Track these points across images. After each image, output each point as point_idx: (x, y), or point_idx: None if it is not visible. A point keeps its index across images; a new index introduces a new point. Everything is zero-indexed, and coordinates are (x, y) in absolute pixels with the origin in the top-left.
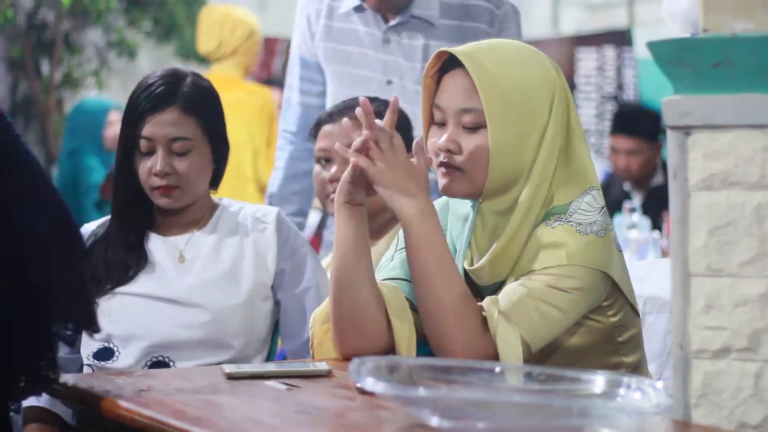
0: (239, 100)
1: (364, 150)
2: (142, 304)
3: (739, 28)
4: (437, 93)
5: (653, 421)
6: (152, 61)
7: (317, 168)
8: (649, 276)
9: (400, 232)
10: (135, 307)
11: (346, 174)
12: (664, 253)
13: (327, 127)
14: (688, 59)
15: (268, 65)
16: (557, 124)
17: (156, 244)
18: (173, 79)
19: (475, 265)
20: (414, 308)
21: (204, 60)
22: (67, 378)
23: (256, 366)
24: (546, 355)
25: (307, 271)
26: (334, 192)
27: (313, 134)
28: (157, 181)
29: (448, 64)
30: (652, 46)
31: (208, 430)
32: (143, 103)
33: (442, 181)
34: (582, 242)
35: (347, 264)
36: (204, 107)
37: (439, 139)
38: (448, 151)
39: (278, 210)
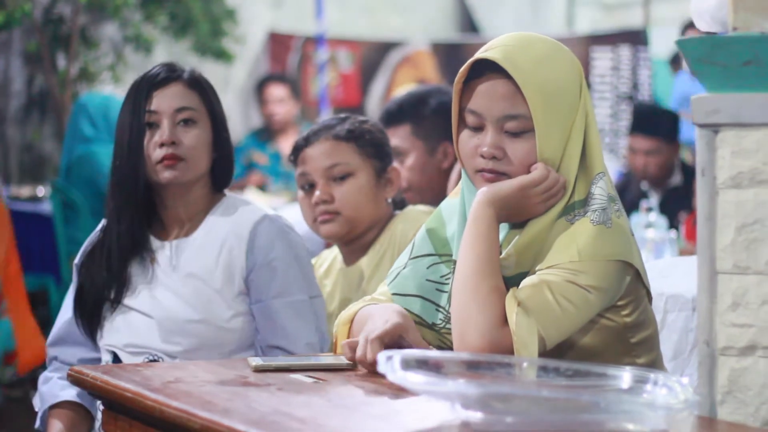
0: None
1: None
2: (136, 318)
3: None
4: (471, 97)
5: (679, 417)
6: (168, 56)
7: (301, 193)
8: (671, 273)
9: (416, 239)
10: (127, 320)
11: None
12: (681, 253)
13: (306, 151)
14: (718, 57)
15: (283, 61)
16: (582, 113)
17: (152, 249)
18: (172, 66)
19: (502, 255)
20: (424, 324)
21: (220, 55)
22: (95, 370)
23: (283, 359)
24: (558, 355)
25: (275, 281)
26: (321, 215)
27: (292, 160)
28: (162, 152)
29: (479, 66)
30: (682, 43)
31: (238, 421)
32: (148, 82)
33: (485, 186)
34: (593, 235)
35: None
36: (205, 87)
37: (479, 143)
38: (493, 157)
39: (259, 217)
